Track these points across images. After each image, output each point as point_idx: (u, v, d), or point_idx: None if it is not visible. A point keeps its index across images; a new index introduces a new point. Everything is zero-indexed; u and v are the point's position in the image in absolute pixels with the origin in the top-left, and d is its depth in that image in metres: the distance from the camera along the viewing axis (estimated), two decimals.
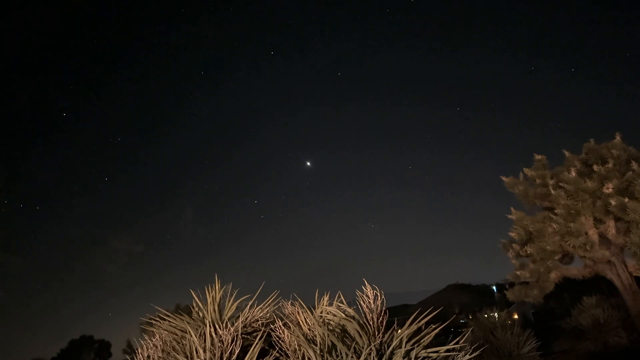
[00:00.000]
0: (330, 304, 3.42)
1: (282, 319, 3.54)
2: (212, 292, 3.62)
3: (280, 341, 3.33)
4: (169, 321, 3.54)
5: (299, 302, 3.56)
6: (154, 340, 3.37)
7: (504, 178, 10.70)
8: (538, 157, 10.23)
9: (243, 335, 3.31)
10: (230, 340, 3.03)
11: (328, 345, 3.00)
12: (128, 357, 3.47)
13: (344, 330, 3.18)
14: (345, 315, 3.27)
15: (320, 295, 3.56)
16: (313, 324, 3.23)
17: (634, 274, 9.33)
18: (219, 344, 2.99)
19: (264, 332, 3.43)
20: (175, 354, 3.08)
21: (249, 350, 2.98)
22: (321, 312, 3.40)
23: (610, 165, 8.78)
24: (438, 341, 3.07)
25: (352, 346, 2.96)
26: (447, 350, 2.99)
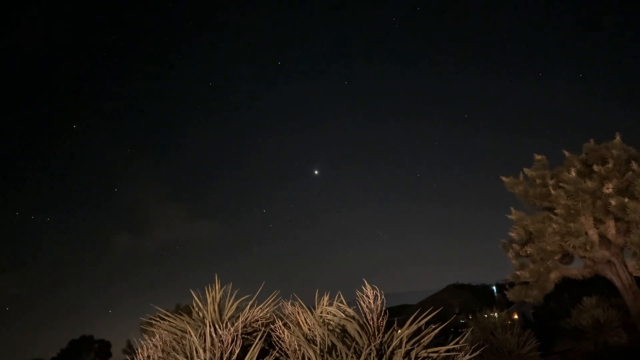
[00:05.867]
0: (331, 304, 3.42)
1: (282, 319, 3.54)
2: (212, 292, 3.62)
3: (280, 341, 3.33)
4: (169, 321, 3.55)
5: (299, 302, 3.56)
6: (154, 340, 3.37)
7: (504, 178, 10.70)
8: (538, 157, 10.23)
9: (243, 336, 3.31)
10: (230, 340, 3.03)
11: (328, 345, 3.00)
12: (128, 357, 3.47)
13: (344, 330, 3.18)
14: (345, 315, 3.26)
15: (321, 296, 3.56)
16: (313, 324, 3.23)
17: (634, 274, 9.32)
18: (219, 344, 2.99)
19: (264, 332, 3.43)
20: (175, 354, 3.08)
21: (249, 350, 2.98)
22: (321, 312, 3.40)
23: (610, 165, 8.78)
24: (438, 341, 3.07)
25: (352, 346, 2.96)
26: (447, 350, 2.99)
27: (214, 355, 2.93)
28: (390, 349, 2.89)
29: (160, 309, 3.70)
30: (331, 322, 3.29)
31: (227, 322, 3.26)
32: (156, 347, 3.28)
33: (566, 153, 9.99)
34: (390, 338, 3.02)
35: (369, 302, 3.24)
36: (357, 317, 3.23)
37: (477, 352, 3.25)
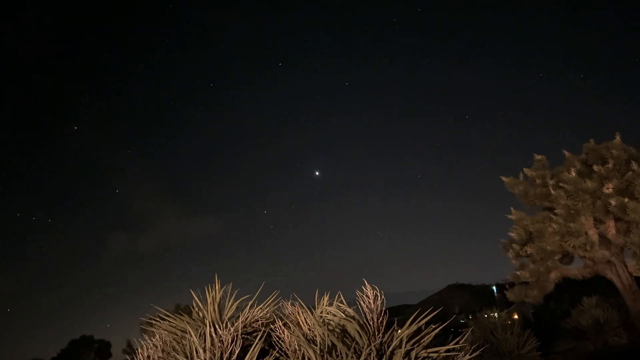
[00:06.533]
0: (331, 304, 3.42)
1: (282, 319, 3.54)
2: (212, 292, 3.62)
3: (280, 341, 3.33)
4: (169, 321, 3.54)
5: (299, 302, 3.56)
6: (154, 340, 3.37)
7: (503, 178, 10.69)
8: (538, 157, 10.22)
9: (243, 336, 3.31)
10: (230, 340, 3.03)
11: (328, 346, 3.00)
12: (128, 357, 3.47)
13: (344, 330, 3.17)
14: (345, 315, 3.26)
15: (321, 296, 3.56)
16: (313, 324, 3.23)
17: (634, 274, 9.32)
18: (219, 344, 2.99)
19: (264, 332, 3.43)
20: (175, 354, 3.08)
21: (249, 350, 2.98)
22: (321, 312, 3.40)
23: (610, 165, 8.78)
24: (438, 341, 3.07)
25: (352, 346, 2.96)
26: (447, 350, 2.99)
27: (214, 355, 2.93)
28: (390, 349, 2.89)
29: (160, 309, 3.70)
30: (331, 322, 3.29)
31: (227, 322, 3.26)
32: (156, 347, 3.28)
33: (566, 153, 9.99)
34: (390, 338, 3.02)
35: (369, 302, 3.24)
36: (357, 317, 3.22)
37: (477, 352, 3.25)
